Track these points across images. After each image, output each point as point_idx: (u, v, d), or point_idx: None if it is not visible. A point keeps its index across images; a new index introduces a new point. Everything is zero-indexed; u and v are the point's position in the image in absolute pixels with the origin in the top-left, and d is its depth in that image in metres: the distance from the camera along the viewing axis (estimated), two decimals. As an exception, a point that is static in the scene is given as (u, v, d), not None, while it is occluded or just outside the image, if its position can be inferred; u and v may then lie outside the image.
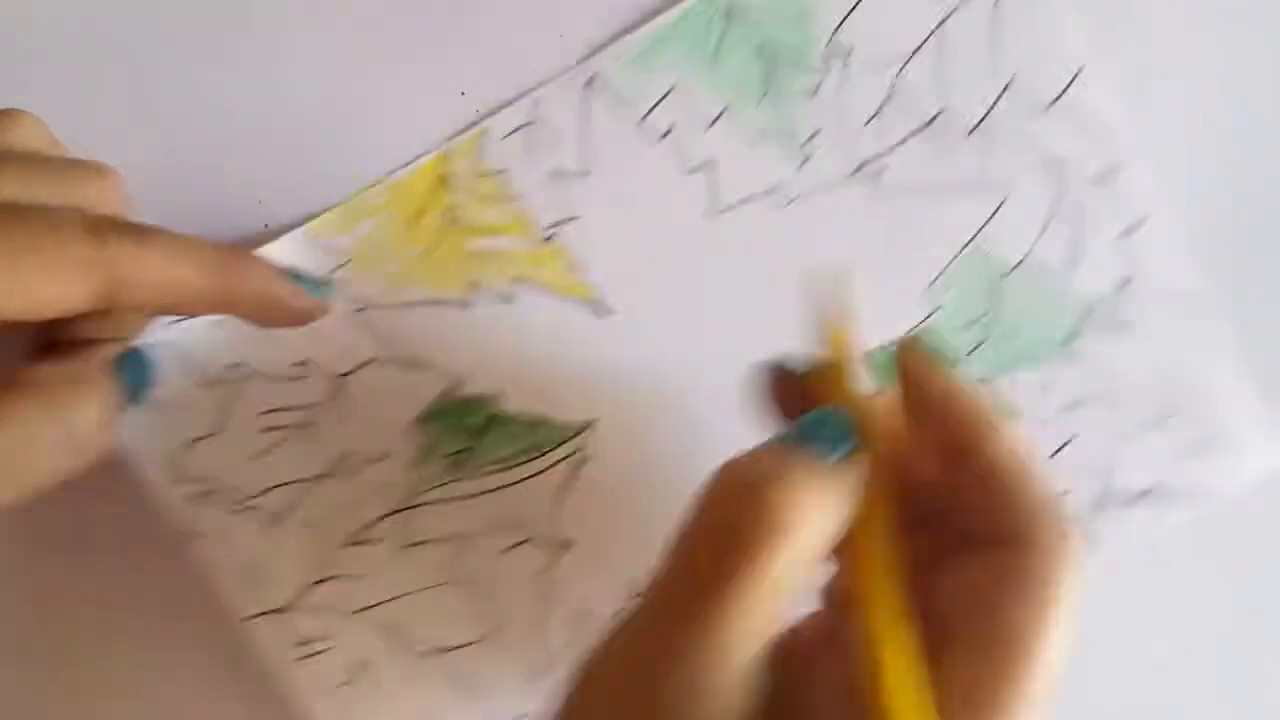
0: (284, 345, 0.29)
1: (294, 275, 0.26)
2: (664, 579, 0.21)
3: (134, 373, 0.26)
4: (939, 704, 0.20)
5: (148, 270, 0.23)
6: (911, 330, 0.30)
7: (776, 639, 0.22)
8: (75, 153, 0.27)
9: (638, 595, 0.23)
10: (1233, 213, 0.30)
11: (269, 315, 0.26)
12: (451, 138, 0.29)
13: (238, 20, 0.29)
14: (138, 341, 0.27)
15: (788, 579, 0.20)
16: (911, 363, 0.23)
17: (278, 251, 0.28)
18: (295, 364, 0.29)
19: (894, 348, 0.24)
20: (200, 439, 0.29)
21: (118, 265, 0.23)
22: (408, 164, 0.29)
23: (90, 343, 0.26)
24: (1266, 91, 0.30)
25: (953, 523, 0.23)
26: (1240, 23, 0.30)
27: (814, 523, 0.20)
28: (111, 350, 0.26)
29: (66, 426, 0.24)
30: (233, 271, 0.25)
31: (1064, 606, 0.21)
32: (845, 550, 0.22)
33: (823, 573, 0.25)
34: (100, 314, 0.25)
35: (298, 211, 0.29)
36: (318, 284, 0.27)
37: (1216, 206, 0.30)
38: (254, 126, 0.29)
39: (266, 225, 0.29)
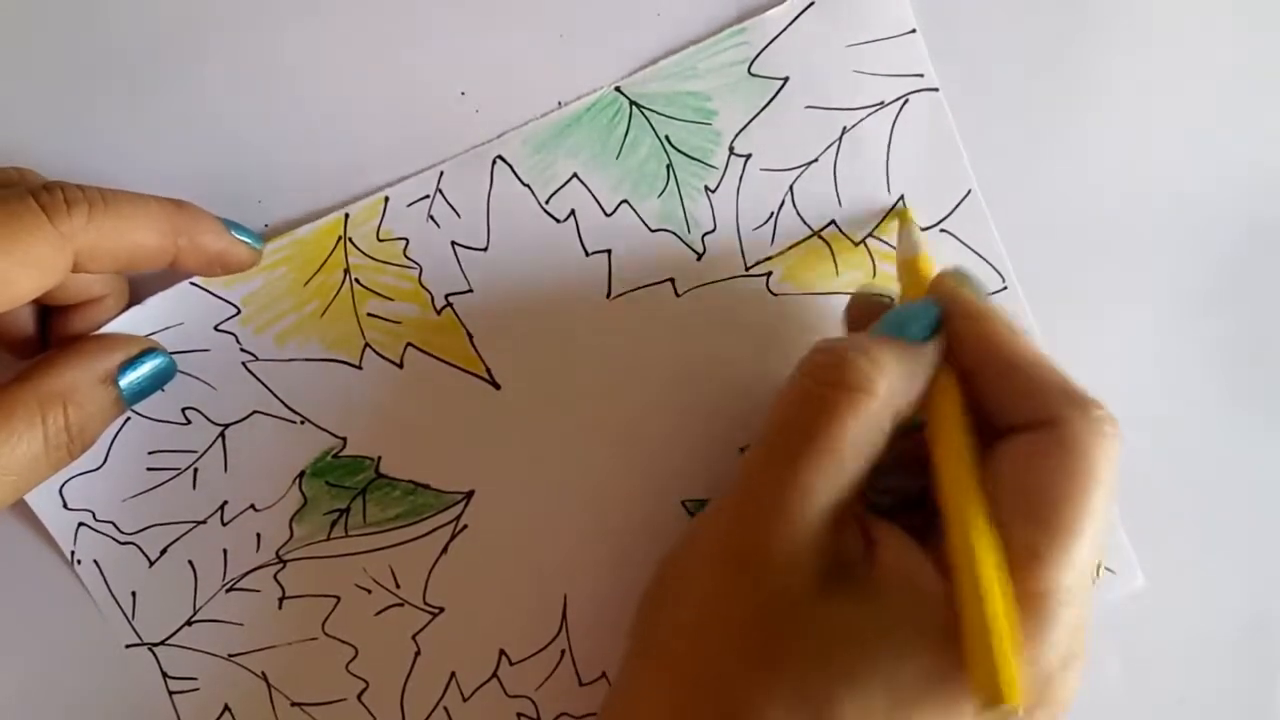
0: (172, 390, 0.29)
1: (230, 225, 0.28)
2: (761, 444, 0.24)
3: (139, 380, 0.27)
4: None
5: (107, 238, 0.24)
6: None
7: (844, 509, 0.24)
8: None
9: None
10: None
11: (213, 266, 0.27)
12: (356, 201, 0.29)
13: (238, 20, 0.29)
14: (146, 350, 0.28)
15: (866, 436, 0.23)
16: (948, 283, 0.26)
17: (172, 298, 0.29)
18: (182, 409, 0.29)
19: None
20: (83, 473, 0.29)
21: (80, 239, 0.24)
22: (315, 220, 0.29)
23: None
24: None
25: (988, 413, 0.25)
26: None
27: (891, 390, 0.23)
28: (117, 359, 0.27)
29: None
30: (183, 228, 0.26)
31: (1101, 473, 0.23)
32: (928, 424, 0.25)
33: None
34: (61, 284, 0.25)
35: (297, 211, 0.29)
36: (252, 234, 0.28)
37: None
38: (254, 127, 0.29)
39: (267, 225, 0.29)
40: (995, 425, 0.24)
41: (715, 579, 0.23)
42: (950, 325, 0.25)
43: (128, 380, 0.27)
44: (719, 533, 0.24)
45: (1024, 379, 0.24)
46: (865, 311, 0.27)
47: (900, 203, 0.30)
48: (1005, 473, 0.23)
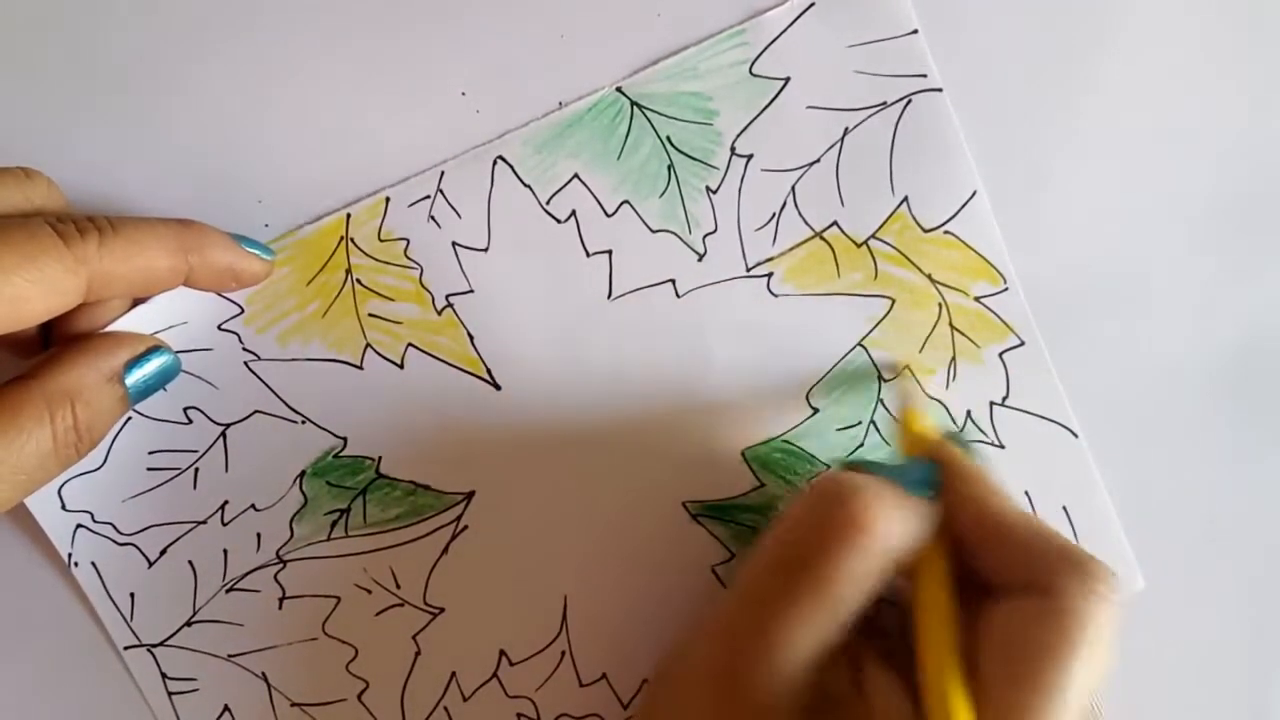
0: (173, 389, 0.29)
1: (239, 239, 0.28)
2: (756, 568, 0.24)
3: (145, 378, 0.28)
4: None
5: (120, 263, 0.24)
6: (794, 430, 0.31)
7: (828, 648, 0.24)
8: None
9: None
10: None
11: (225, 281, 0.27)
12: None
13: (238, 21, 0.29)
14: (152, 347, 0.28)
15: (861, 575, 0.23)
16: (946, 445, 0.26)
17: (176, 297, 0.29)
18: (183, 408, 0.29)
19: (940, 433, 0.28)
20: (82, 474, 0.29)
21: (94, 265, 0.24)
22: (317, 220, 0.29)
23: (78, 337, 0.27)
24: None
25: (977, 573, 0.25)
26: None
27: (889, 531, 0.24)
28: (123, 358, 0.27)
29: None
30: (193, 247, 0.26)
31: (1092, 638, 0.23)
32: (914, 579, 0.25)
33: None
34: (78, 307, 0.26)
35: (298, 211, 0.29)
36: (262, 246, 0.28)
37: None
38: (254, 127, 0.29)
39: (267, 225, 0.29)
40: (984, 585, 0.24)
41: (704, 706, 0.24)
42: (948, 486, 0.25)
43: (134, 378, 0.27)
44: (710, 657, 0.24)
45: (1020, 543, 0.24)
46: (920, 441, 0.28)
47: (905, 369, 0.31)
48: (995, 635, 0.23)
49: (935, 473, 0.25)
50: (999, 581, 0.24)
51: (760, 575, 0.24)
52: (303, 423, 0.30)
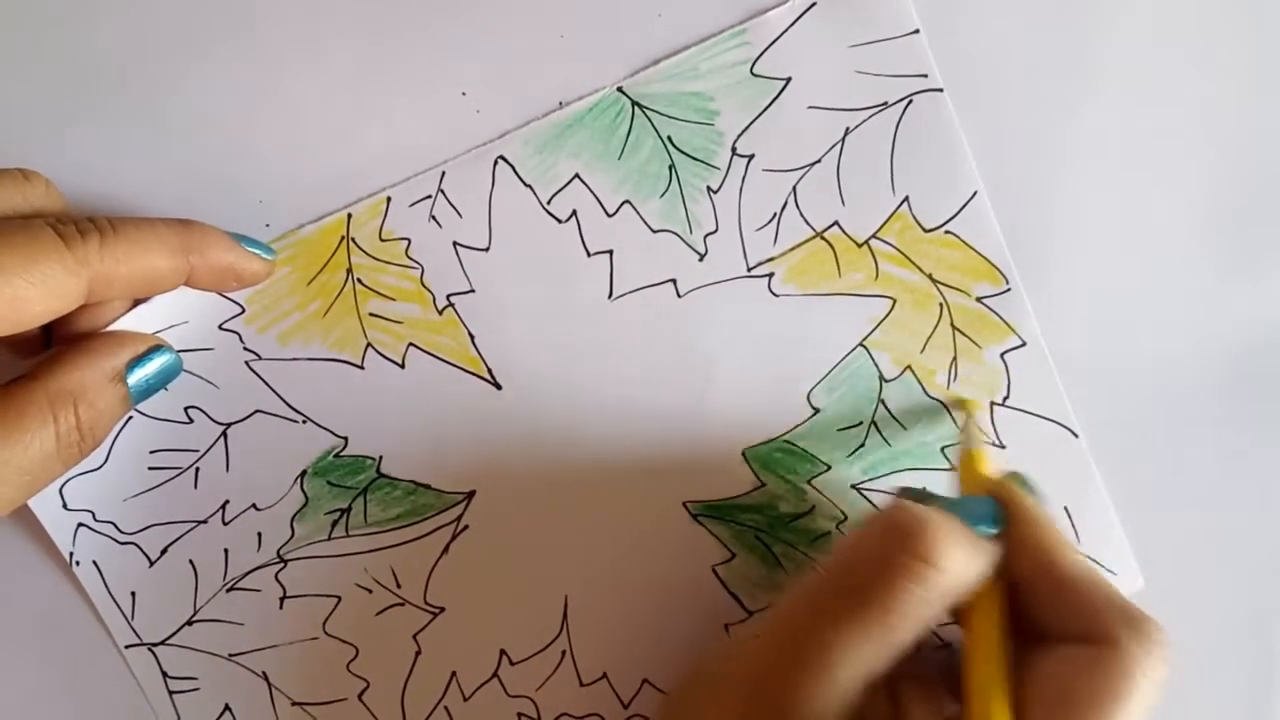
0: (174, 389, 0.29)
1: (240, 238, 0.28)
2: (814, 586, 0.24)
3: (147, 378, 0.28)
4: None
5: (121, 264, 0.25)
6: (794, 428, 0.31)
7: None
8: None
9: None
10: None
11: (226, 280, 0.27)
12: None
13: (238, 21, 0.29)
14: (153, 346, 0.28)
15: (920, 608, 0.23)
16: (1011, 486, 0.26)
17: (177, 297, 0.29)
18: (184, 408, 0.29)
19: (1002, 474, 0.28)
20: (83, 473, 0.29)
21: (95, 266, 0.24)
22: (318, 219, 0.29)
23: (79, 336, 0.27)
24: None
25: (1032, 618, 0.25)
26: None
27: (955, 568, 0.23)
28: (124, 357, 0.27)
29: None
30: (194, 247, 0.26)
31: (1145, 696, 0.23)
32: (963, 619, 0.25)
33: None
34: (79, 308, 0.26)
35: (299, 211, 0.29)
36: (263, 245, 0.28)
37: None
38: (255, 127, 0.29)
39: (268, 225, 0.29)
40: (1038, 630, 0.25)
41: (736, 711, 0.24)
42: (1010, 527, 0.25)
43: (136, 378, 0.27)
44: (755, 669, 0.24)
45: (1081, 594, 0.24)
46: (982, 482, 0.28)
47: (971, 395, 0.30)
48: (1045, 680, 0.24)
49: (999, 511, 0.25)
50: (1052, 627, 0.24)
51: (819, 594, 0.24)
52: (304, 422, 0.30)
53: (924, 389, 0.30)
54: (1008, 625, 0.25)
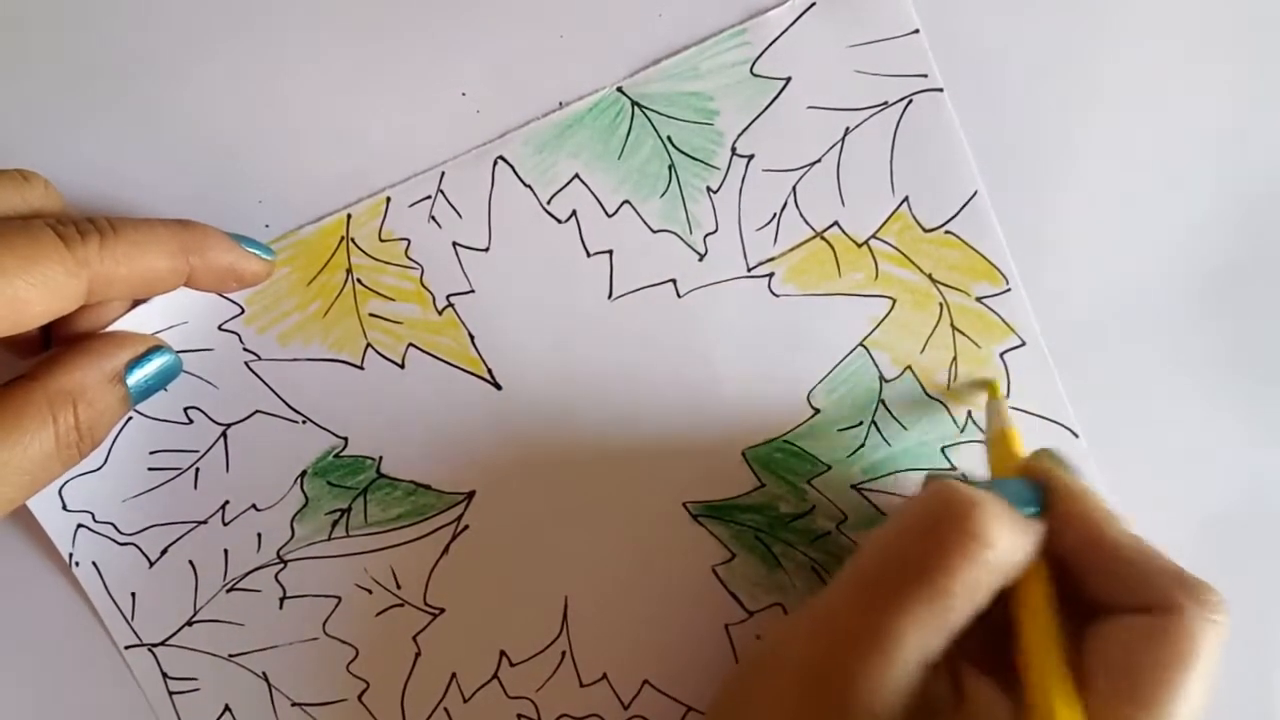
0: (174, 389, 0.29)
1: (240, 239, 0.28)
2: (866, 568, 0.24)
3: (146, 378, 0.28)
4: None
5: (121, 265, 0.25)
6: (799, 427, 0.31)
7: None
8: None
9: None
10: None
11: (226, 281, 0.27)
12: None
13: (239, 21, 0.29)
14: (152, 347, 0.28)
15: (975, 586, 0.23)
16: (1044, 463, 0.26)
17: (177, 297, 0.29)
18: (184, 408, 0.29)
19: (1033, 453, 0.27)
20: (83, 474, 0.29)
21: (95, 267, 0.24)
22: (318, 220, 0.29)
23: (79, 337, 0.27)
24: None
25: (1084, 591, 0.25)
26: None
27: (1005, 544, 0.23)
28: (124, 358, 0.27)
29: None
30: (194, 248, 0.26)
31: (1206, 661, 0.23)
32: (1012, 597, 0.25)
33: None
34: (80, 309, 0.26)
35: (299, 212, 0.29)
36: (263, 246, 0.28)
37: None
38: (254, 127, 0.29)
39: (268, 225, 0.29)
40: (1089, 604, 0.24)
41: (799, 707, 0.23)
42: (1052, 505, 0.25)
43: (135, 378, 0.27)
44: (810, 657, 0.24)
45: (1133, 563, 0.24)
46: (1015, 461, 0.27)
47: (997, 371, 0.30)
48: (1108, 652, 0.23)
49: (1038, 492, 0.25)
50: (1105, 600, 0.24)
51: (873, 576, 0.24)
52: (304, 422, 0.30)
53: (924, 389, 0.30)
54: (1057, 602, 0.24)
